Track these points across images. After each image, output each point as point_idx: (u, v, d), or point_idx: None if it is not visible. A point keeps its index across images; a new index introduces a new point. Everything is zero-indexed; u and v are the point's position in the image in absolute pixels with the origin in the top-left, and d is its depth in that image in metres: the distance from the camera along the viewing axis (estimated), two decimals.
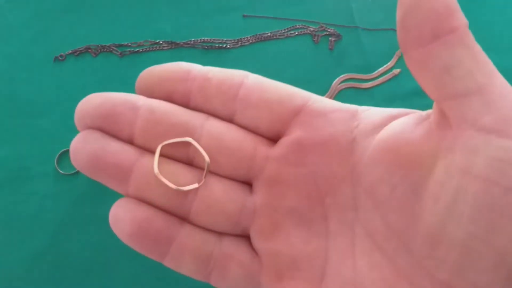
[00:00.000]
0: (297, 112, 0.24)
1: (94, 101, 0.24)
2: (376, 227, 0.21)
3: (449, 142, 0.18)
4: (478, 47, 0.18)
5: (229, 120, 0.25)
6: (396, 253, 0.20)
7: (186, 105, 0.25)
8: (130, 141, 0.24)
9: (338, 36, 0.60)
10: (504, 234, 0.16)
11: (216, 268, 0.23)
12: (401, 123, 0.21)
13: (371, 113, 0.23)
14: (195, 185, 0.24)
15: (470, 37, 0.18)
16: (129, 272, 0.47)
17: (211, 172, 0.25)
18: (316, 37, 0.60)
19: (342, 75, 0.58)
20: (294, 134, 0.24)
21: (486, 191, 0.16)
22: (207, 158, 0.24)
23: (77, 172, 0.50)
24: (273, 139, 0.25)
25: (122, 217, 0.23)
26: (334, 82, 0.57)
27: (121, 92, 0.25)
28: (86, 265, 0.47)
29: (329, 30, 0.60)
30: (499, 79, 0.18)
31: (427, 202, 0.19)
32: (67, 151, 0.51)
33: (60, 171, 0.50)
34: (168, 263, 0.23)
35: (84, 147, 0.23)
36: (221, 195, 0.24)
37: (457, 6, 0.17)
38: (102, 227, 0.49)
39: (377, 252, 0.21)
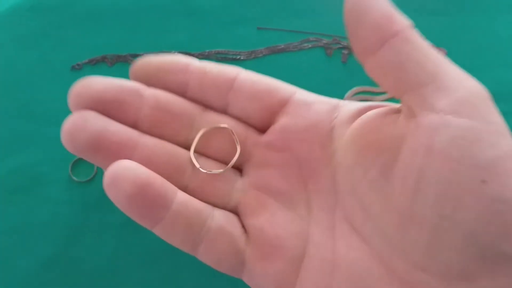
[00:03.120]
0: (284, 103, 0.27)
1: (96, 85, 0.24)
2: (354, 210, 0.23)
3: (413, 127, 0.19)
4: (424, 43, 0.20)
5: (223, 111, 0.27)
6: (372, 235, 0.21)
7: (182, 95, 0.27)
8: (132, 127, 0.26)
9: (351, 49, 0.60)
10: (470, 212, 0.17)
11: (205, 240, 0.24)
12: (374, 113, 0.23)
13: (350, 105, 0.25)
14: (221, 170, 0.26)
15: (415, 35, 0.19)
16: (141, 280, 0.48)
17: (207, 155, 0.27)
18: (329, 50, 0.60)
19: (354, 88, 0.58)
20: (280, 122, 0.26)
21: (448, 169, 0.17)
22: (239, 149, 0.26)
23: (91, 179, 0.51)
24: (263, 129, 0.28)
25: (124, 176, 0.21)
26: (347, 94, 0.58)
27: (119, 78, 0.26)
28: (98, 272, 0.48)
29: (342, 43, 0.61)
30: (450, 66, 0.19)
31: (396, 183, 0.19)
32: (81, 159, 0.52)
33: (74, 178, 0.51)
34: (158, 230, 0.23)
35: (84, 125, 0.23)
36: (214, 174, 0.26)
37: (394, 12, 0.19)
38: (115, 234, 0.49)
39: (355, 235, 0.22)
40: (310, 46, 0.61)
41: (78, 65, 0.57)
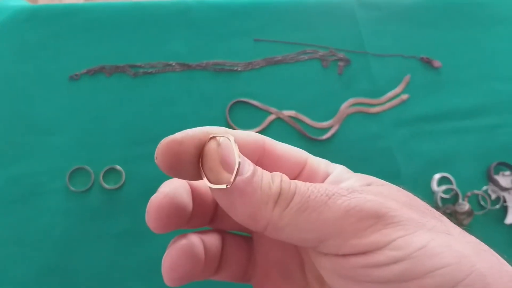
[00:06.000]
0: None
1: (186, 201, 0.25)
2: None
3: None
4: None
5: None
6: None
7: None
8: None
9: (347, 61, 0.61)
10: None
11: None
12: None
13: None
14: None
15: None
16: None
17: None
18: (325, 62, 0.61)
19: (350, 99, 0.59)
20: None
21: None
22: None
23: (88, 189, 0.51)
24: None
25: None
26: (342, 106, 0.58)
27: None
28: (94, 281, 0.48)
29: (338, 55, 0.61)
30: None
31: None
32: (78, 169, 0.52)
33: (71, 188, 0.51)
34: None
35: (196, 269, 0.25)
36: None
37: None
38: (111, 244, 0.49)
39: None
40: (306, 58, 0.61)
41: (76, 75, 0.57)
